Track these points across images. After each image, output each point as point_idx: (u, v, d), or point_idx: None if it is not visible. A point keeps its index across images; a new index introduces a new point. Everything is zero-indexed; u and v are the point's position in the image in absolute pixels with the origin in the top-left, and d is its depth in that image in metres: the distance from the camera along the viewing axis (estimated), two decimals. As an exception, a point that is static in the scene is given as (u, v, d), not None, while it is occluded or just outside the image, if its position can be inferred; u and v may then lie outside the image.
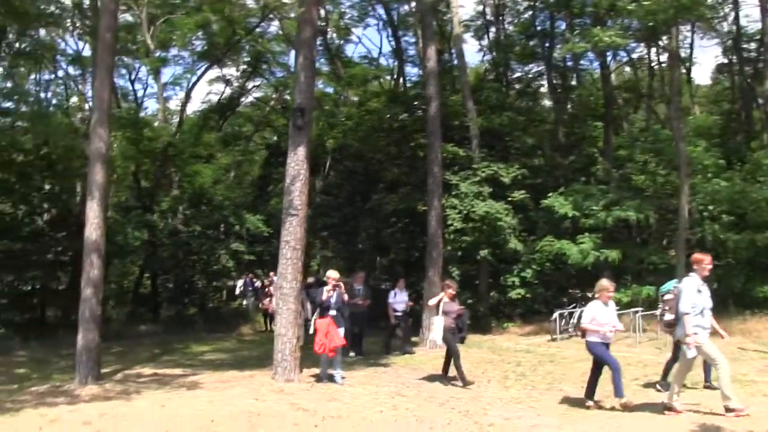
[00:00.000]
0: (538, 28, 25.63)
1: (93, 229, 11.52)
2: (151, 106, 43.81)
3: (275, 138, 32.98)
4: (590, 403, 8.98)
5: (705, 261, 8.36)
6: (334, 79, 30.66)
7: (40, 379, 12.21)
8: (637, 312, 15.98)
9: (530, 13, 25.81)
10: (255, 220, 23.71)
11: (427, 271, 17.04)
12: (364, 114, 24.93)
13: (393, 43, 29.05)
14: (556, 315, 17.08)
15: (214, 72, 31.78)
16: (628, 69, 30.92)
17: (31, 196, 19.84)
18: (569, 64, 25.95)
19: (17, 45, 23.49)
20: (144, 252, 23.09)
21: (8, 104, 21.09)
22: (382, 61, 32.17)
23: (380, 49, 54.63)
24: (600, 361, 8.88)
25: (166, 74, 34.82)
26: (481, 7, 27.56)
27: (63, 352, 14.73)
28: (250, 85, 33.31)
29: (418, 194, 20.23)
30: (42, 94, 28.42)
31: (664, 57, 24.43)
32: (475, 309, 19.36)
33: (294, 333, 11.22)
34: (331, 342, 10.89)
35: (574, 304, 18.40)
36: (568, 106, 26.32)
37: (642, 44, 25.21)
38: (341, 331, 11.27)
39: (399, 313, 15.71)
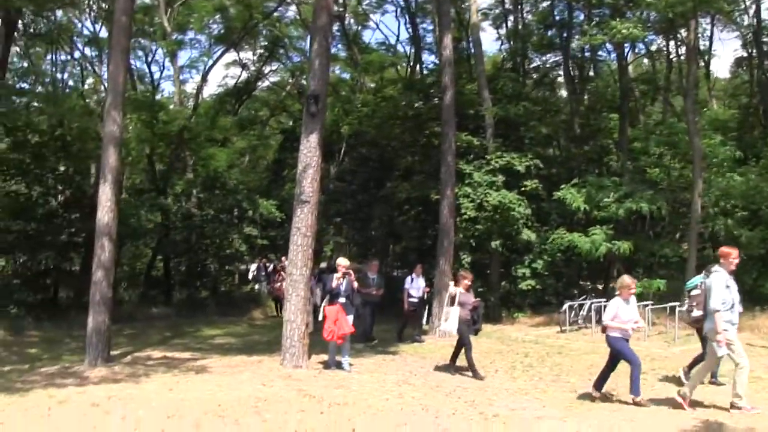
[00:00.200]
0: (557, 18, 25.37)
1: (105, 212, 11.60)
2: (167, 88, 43.88)
3: (291, 123, 33.05)
4: (597, 394, 8.96)
5: (732, 255, 8.28)
6: (351, 65, 30.64)
7: (50, 359, 12.38)
8: (647, 305, 15.90)
9: (549, 2, 25.52)
10: (268, 205, 23.75)
11: (438, 260, 17.02)
12: (380, 101, 24.86)
13: (410, 30, 29.00)
14: (565, 307, 17.03)
15: (231, 56, 31.96)
16: (646, 61, 30.65)
17: (46, 177, 19.91)
18: (587, 55, 25.73)
19: (33, 26, 23.58)
20: (157, 235, 23.21)
21: (24, 84, 21.15)
22: (400, 48, 32.11)
23: (398, 36, 54.16)
24: (621, 357, 8.79)
25: (183, 57, 35.09)
26: (500, -4, 27.42)
27: (74, 333, 14.88)
28: (266, 69, 33.45)
29: (431, 182, 20.18)
30: (58, 75, 28.63)
31: (682, 50, 24.14)
32: (486, 298, 19.30)
33: (303, 319, 11.28)
34: (339, 329, 10.95)
35: (584, 296, 18.40)
36: (585, 97, 26.13)
37: (660, 36, 24.92)
38: (350, 318, 11.31)
39: (415, 300, 15.48)
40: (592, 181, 19.25)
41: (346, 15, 29.33)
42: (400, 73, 31.73)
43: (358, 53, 29.73)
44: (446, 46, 18.01)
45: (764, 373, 10.49)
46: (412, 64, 30.44)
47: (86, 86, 30.61)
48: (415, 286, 15.56)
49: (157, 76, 31.50)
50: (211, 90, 42.20)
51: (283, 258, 19.95)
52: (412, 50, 30.09)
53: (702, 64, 26.57)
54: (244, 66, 32.21)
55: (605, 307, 16.61)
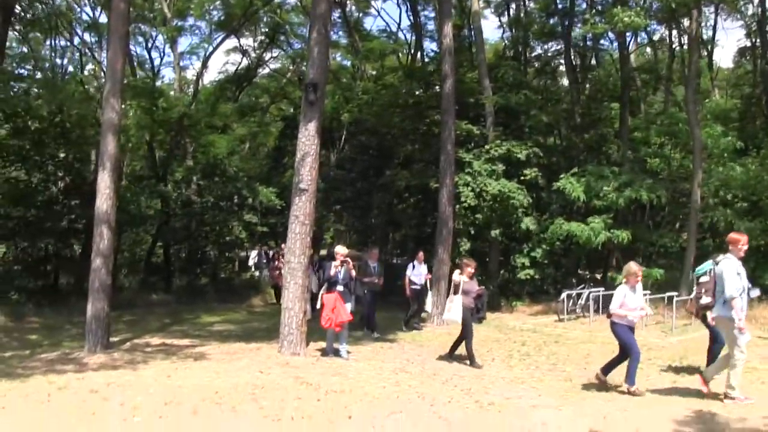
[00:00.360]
0: (559, 6, 25.30)
1: (104, 199, 11.61)
2: (167, 74, 43.87)
3: (291, 110, 33.00)
4: (602, 377, 9.02)
5: (741, 241, 8.26)
6: (352, 52, 30.54)
7: (51, 345, 12.44)
8: (645, 295, 15.89)
9: (551, -9, 25.46)
10: (268, 193, 23.74)
11: (437, 249, 16.99)
12: (381, 89, 24.80)
13: (411, 17, 28.86)
14: (563, 296, 17.08)
15: (231, 42, 31.91)
16: (648, 50, 30.54)
17: (46, 164, 19.92)
18: (589, 43, 25.64)
19: (31, 11, 23.49)
20: (157, 221, 23.25)
21: (23, 71, 21.09)
22: (401, 35, 32.00)
23: (399, 23, 54.14)
24: (623, 345, 8.82)
25: (183, 43, 34.98)
26: (501, -16, 27.31)
27: (75, 319, 14.97)
28: (267, 56, 33.33)
29: (431, 171, 20.17)
30: (57, 61, 28.55)
31: (685, 39, 24.04)
32: (485, 287, 19.39)
33: (301, 307, 11.31)
34: (337, 317, 10.99)
35: (582, 286, 18.43)
36: (586, 86, 26.06)
37: (663, 26, 24.83)
38: (348, 306, 11.34)
39: (417, 287, 15.32)
40: (591, 170, 19.23)
41: (347, 1, 29.24)
42: (401, 60, 31.64)
43: (359, 40, 29.61)
44: (446, 34, 17.92)
45: (759, 363, 10.54)
46: (413, 51, 30.35)
47: (86, 72, 30.53)
48: (417, 273, 15.45)
49: (157, 62, 31.48)
50: (211, 76, 42.33)
51: (283, 245, 20.00)
52: (413, 38, 30.00)
53: (705, 53, 26.50)
54: (244, 52, 32.15)
55: (603, 296, 16.82)
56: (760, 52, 24.86)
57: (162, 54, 31.44)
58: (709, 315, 9.01)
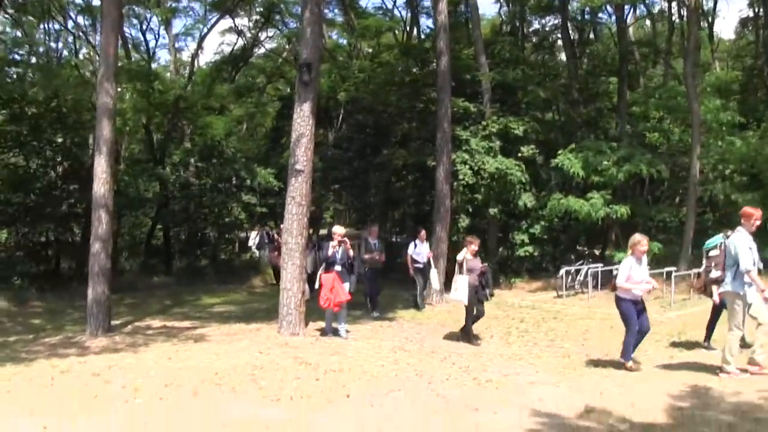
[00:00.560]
0: (556, -22, 25.02)
1: (101, 184, 11.62)
2: (163, 56, 43.56)
3: (288, 90, 32.76)
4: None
5: (755, 216, 8.06)
6: (348, 30, 30.29)
7: (53, 329, 12.59)
8: (646, 269, 15.94)
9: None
10: (266, 174, 23.68)
11: (435, 227, 16.98)
12: (377, 67, 24.67)
13: (407, -7, 28.57)
14: (562, 272, 17.13)
15: (226, 22, 31.51)
16: (648, 23, 30.28)
17: (44, 149, 19.93)
18: (587, 17, 25.40)
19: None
20: (156, 204, 23.27)
21: (17, 56, 21.00)
22: (397, 12, 31.68)
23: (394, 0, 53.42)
24: (623, 320, 8.81)
25: (178, 25, 34.63)
26: (497, -43, 26.97)
27: (76, 303, 15.02)
28: (262, 36, 33.00)
29: (428, 149, 20.13)
30: (52, 45, 28.36)
31: (684, 11, 23.80)
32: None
33: (299, 287, 11.36)
34: (336, 297, 11.04)
35: (581, 262, 18.47)
36: (584, 61, 25.89)
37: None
38: (346, 286, 11.39)
39: (420, 265, 15.19)
40: (589, 145, 19.14)
41: (342, -21, 28.96)
42: (397, 38, 31.40)
43: (354, 18, 29.36)
44: (441, 11, 17.77)
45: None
46: (409, 29, 30.11)
47: (81, 56, 30.36)
48: (419, 252, 15.29)
49: (152, 44, 31.27)
50: (207, 58, 42.02)
51: (282, 226, 20.00)
52: (409, 14, 29.75)
53: (705, 25, 26.23)
54: (239, 33, 31.84)
55: (602, 272, 16.86)
56: (763, 23, 24.60)
57: (157, 36, 31.40)
58: (715, 290, 8.99)
